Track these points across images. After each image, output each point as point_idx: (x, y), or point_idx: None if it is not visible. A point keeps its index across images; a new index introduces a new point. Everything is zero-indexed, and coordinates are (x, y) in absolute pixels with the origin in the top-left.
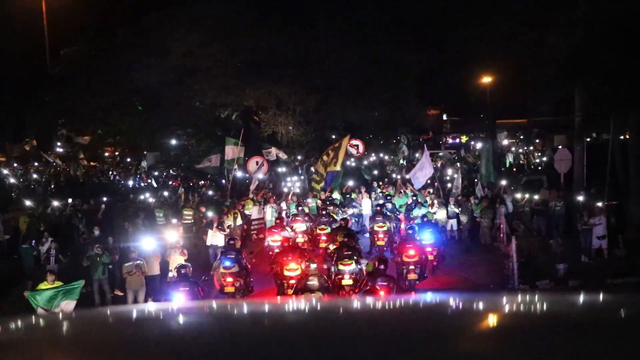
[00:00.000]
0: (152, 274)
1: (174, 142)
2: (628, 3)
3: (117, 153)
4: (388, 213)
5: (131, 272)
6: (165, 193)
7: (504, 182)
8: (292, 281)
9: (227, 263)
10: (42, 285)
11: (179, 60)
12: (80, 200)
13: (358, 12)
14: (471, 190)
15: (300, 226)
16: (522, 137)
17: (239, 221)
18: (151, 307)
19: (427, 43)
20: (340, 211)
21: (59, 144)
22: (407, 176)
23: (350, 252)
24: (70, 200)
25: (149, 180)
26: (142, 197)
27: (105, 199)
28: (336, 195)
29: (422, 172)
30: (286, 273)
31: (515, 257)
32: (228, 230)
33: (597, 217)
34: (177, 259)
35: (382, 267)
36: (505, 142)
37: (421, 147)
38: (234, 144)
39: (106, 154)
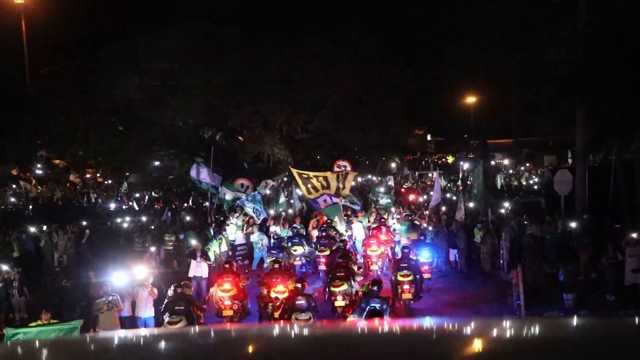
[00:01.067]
0: (122, 315)
1: (156, 163)
2: (630, 12)
3: (98, 174)
4: (382, 236)
5: (101, 309)
6: (144, 218)
7: (507, 205)
8: (279, 303)
9: (226, 286)
10: (34, 324)
11: (161, 79)
12: (57, 226)
13: (346, 30)
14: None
15: (299, 249)
16: (510, 157)
17: (224, 247)
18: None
19: (414, 62)
20: (338, 234)
21: (39, 165)
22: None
23: (343, 274)
24: (45, 227)
25: (130, 203)
26: (118, 220)
27: (84, 222)
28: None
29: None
30: (273, 295)
31: (522, 287)
32: (213, 261)
33: (632, 247)
34: (145, 300)
35: (375, 288)
36: (493, 162)
37: (412, 169)
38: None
39: (87, 176)
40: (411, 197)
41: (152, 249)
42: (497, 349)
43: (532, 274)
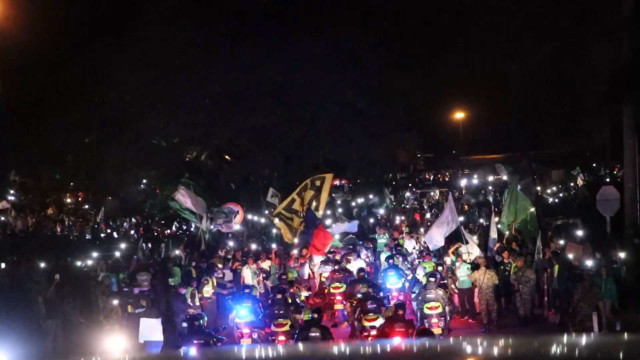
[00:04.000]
0: None
1: (139, 186)
2: None
3: (72, 200)
4: (401, 267)
5: None
6: (117, 253)
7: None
8: (281, 337)
9: (243, 312)
10: None
11: (139, 92)
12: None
13: (343, 34)
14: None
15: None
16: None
17: (211, 289)
18: None
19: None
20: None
21: (11, 191)
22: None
23: (375, 305)
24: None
25: (109, 230)
26: (80, 262)
27: (43, 264)
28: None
29: (441, 229)
30: (273, 329)
31: None
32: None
33: None
34: None
35: (400, 312)
36: (491, 178)
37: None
38: (188, 187)
39: (68, 200)
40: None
41: (115, 302)
42: None
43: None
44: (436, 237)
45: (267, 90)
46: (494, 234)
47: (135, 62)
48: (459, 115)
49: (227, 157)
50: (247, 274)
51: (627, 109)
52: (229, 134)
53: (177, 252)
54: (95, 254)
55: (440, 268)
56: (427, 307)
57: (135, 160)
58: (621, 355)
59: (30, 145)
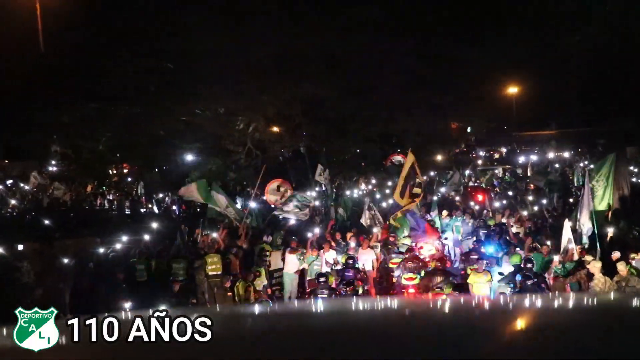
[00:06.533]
0: None
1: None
2: None
3: (114, 172)
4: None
5: None
6: (147, 236)
7: None
8: None
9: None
10: None
11: (180, 59)
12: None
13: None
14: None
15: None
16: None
17: (264, 280)
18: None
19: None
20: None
21: (53, 162)
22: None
23: None
24: (20, 246)
25: (150, 205)
26: (105, 248)
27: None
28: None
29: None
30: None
31: None
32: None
33: None
34: None
35: None
36: (551, 155)
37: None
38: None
39: (114, 171)
40: (479, 197)
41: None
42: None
43: None
44: (586, 222)
45: (318, 57)
46: (584, 223)
47: (174, 27)
48: (513, 90)
49: (275, 128)
50: (292, 260)
51: None
52: (277, 104)
53: (215, 235)
54: (127, 238)
55: (529, 265)
56: None
57: (177, 132)
58: None
59: (63, 115)
